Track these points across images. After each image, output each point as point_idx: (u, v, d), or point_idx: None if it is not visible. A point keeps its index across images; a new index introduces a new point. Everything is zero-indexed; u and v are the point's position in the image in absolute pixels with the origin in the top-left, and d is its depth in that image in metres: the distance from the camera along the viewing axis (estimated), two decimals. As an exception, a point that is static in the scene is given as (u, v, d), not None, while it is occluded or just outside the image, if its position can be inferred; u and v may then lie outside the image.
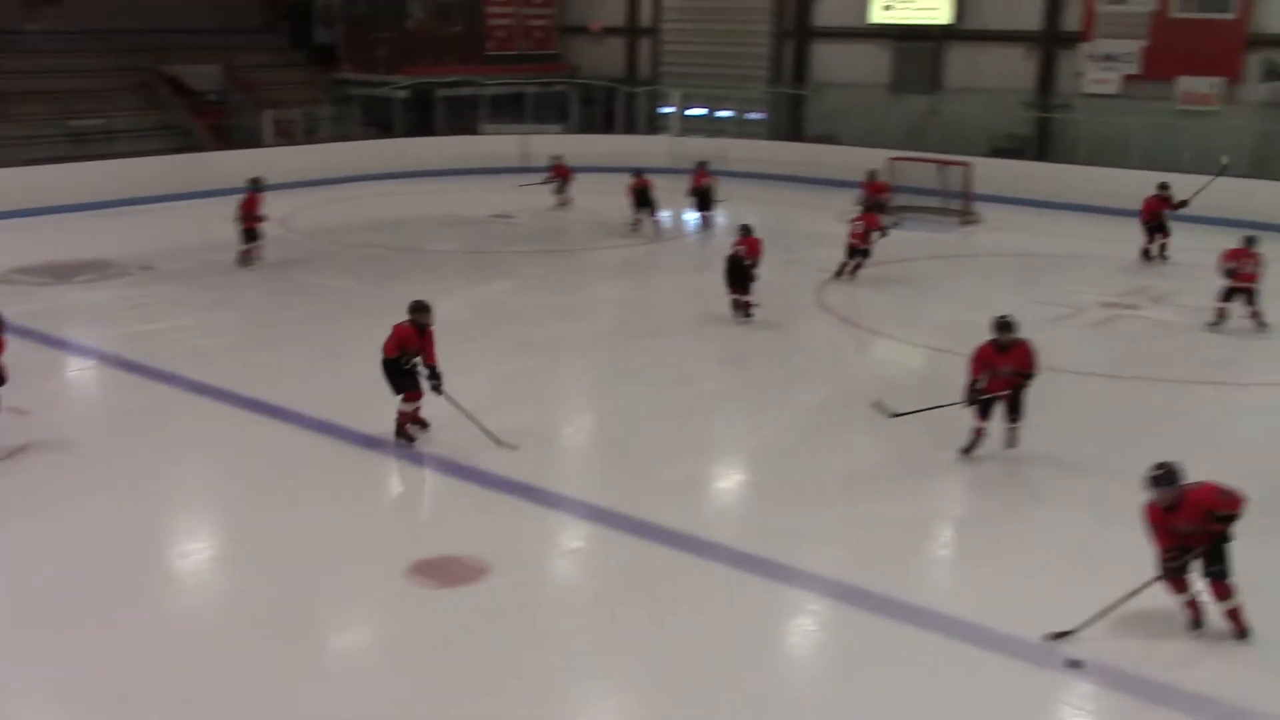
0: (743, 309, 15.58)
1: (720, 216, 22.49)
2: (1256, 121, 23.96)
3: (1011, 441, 10.84)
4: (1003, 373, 10.53)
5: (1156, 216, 19.37)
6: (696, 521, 9.47)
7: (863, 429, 11.51)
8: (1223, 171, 19.51)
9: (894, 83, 29.22)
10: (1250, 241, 15.50)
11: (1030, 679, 7.34)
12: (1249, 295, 15.26)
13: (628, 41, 33.62)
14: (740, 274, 15.52)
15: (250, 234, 18.28)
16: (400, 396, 10.78)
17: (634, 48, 33.63)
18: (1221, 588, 7.60)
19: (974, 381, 10.51)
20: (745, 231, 15.79)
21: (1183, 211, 19.71)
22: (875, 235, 17.78)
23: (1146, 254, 19.52)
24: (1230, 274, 15.29)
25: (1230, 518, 7.48)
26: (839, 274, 17.87)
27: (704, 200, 22.68)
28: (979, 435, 10.75)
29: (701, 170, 23.09)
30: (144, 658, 7.41)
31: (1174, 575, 7.63)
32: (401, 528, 9.64)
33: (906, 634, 7.77)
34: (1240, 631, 7.67)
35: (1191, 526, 7.50)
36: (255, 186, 18.35)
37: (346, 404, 12.02)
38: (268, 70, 30.51)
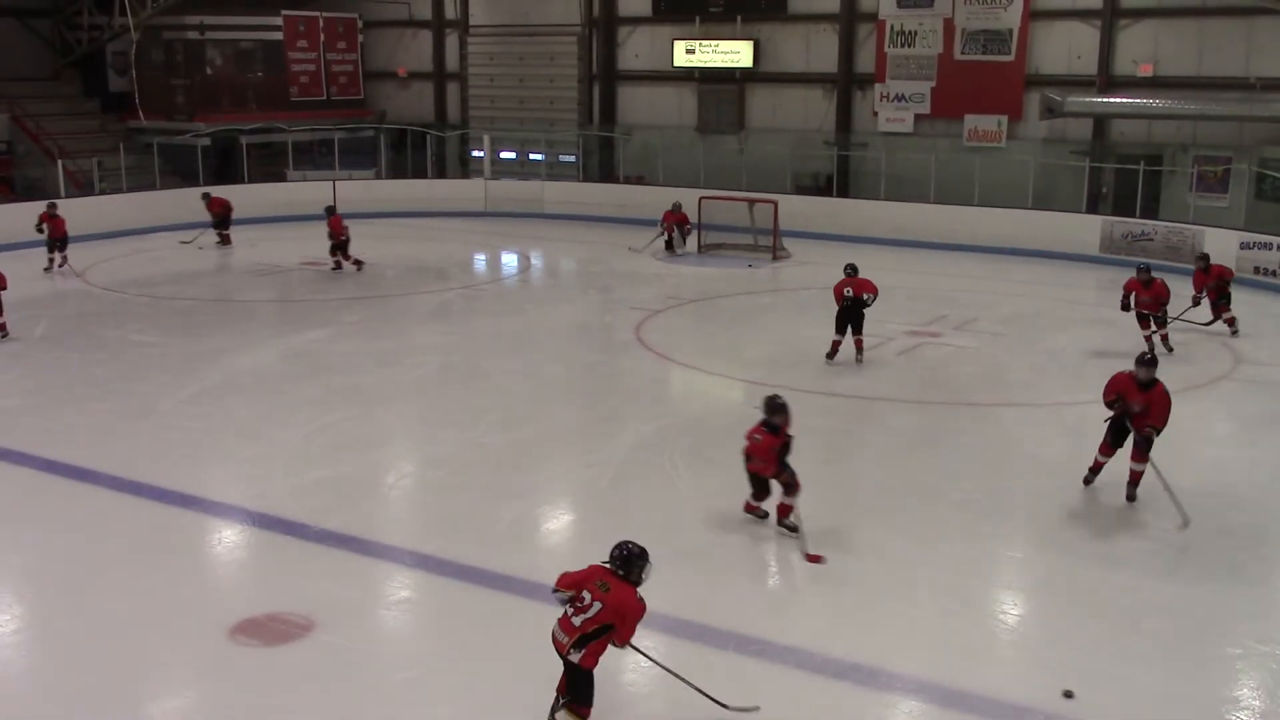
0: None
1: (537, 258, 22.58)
2: (1037, 156, 25.45)
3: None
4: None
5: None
6: (525, 564, 9.46)
7: (685, 465, 11.74)
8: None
9: (700, 124, 29.97)
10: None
11: (862, 702, 7.57)
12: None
13: (435, 86, 33.58)
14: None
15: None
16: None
17: (442, 92, 33.61)
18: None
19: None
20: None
21: (970, 242, 20.62)
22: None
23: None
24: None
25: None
26: None
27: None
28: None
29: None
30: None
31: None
32: (220, 587, 9.32)
33: (738, 664, 7.92)
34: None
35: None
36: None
37: (155, 462, 11.62)
38: (59, 119, 29.33)
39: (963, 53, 26.38)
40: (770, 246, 23.90)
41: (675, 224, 24.10)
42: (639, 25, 30.63)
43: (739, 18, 28.82)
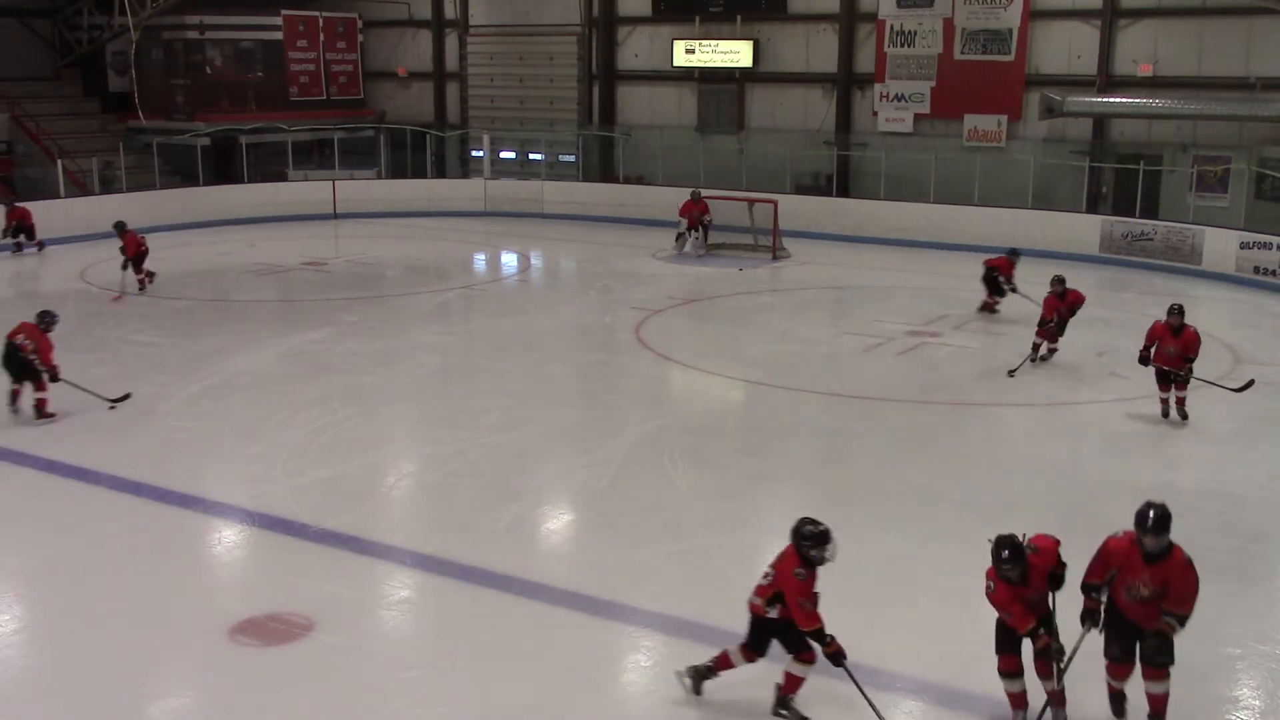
0: None
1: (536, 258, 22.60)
2: (1037, 156, 25.44)
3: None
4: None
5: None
6: (524, 564, 9.47)
7: (684, 464, 11.73)
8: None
9: (700, 124, 29.96)
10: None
11: (862, 702, 7.56)
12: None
13: (435, 86, 33.57)
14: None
15: None
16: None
17: (442, 92, 33.59)
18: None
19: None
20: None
21: (970, 242, 20.54)
22: None
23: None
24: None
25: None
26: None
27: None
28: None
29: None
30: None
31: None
32: (220, 587, 9.32)
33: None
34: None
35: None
36: None
37: (155, 462, 11.61)
38: (59, 119, 29.32)
39: (962, 53, 26.37)
40: (770, 246, 23.90)
41: (699, 215, 23.83)
42: (639, 25, 30.61)
43: (739, 17, 28.80)
